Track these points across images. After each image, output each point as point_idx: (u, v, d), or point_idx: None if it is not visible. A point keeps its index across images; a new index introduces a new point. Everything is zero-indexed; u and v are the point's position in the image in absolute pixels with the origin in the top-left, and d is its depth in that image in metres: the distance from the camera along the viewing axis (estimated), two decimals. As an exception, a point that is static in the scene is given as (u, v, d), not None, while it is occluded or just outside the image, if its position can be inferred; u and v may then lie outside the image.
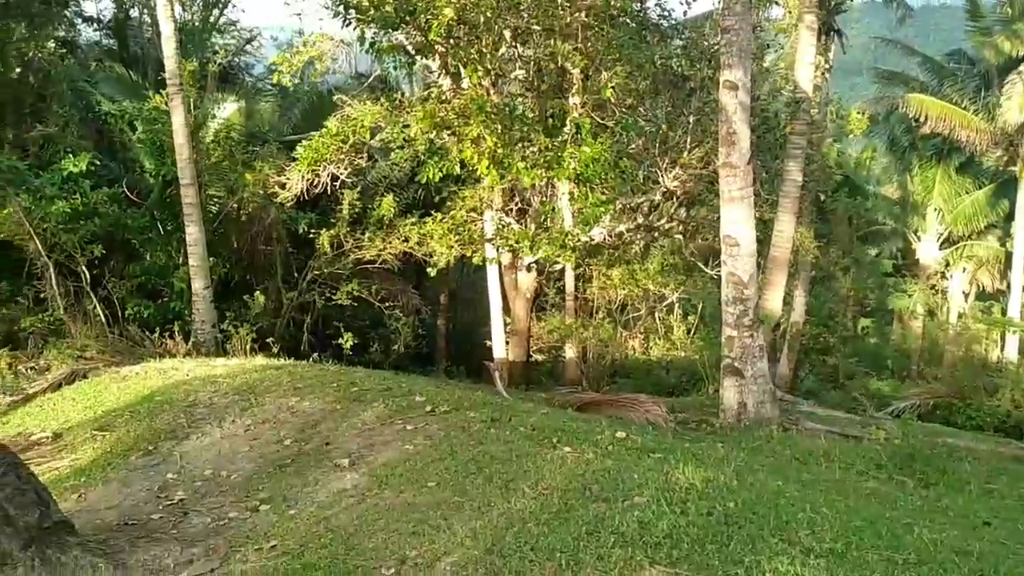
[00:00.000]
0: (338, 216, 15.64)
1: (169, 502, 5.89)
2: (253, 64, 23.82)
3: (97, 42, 22.36)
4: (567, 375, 14.73)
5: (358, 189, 15.64)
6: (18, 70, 17.92)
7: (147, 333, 12.19)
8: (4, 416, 9.13)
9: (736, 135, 9.27)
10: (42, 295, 13.09)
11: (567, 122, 12.67)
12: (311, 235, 15.72)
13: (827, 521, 4.79)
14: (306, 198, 14.50)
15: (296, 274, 16.11)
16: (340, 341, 13.89)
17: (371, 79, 17.63)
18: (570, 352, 14.88)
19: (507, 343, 14.18)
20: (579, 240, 12.24)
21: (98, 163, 14.13)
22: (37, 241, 12.58)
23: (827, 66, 17.30)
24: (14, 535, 4.74)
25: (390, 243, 15.72)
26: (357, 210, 15.76)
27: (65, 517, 5.14)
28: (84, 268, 13.08)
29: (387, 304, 16.13)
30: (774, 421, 8.88)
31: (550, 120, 13.45)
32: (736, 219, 9.25)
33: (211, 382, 8.69)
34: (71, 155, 13.84)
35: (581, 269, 15.10)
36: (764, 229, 13.32)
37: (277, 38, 23.98)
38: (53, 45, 19.68)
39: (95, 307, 12.77)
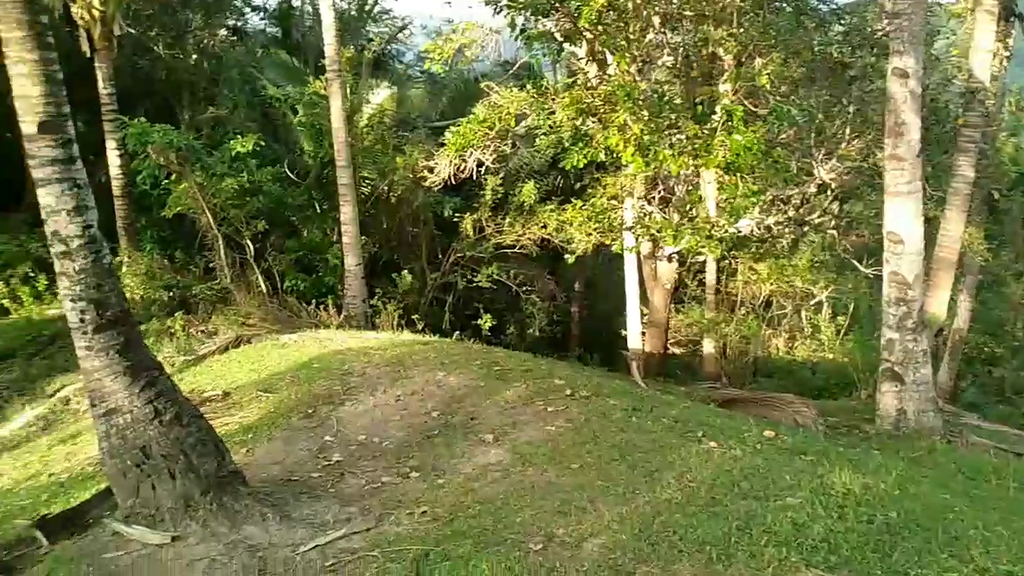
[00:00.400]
0: (481, 201, 15.97)
1: (327, 463, 6.26)
2: (404, 52, 24.64)
3: (263, 30, 23.83)
4: (705, 370, 14.37)
5: (501, 175, 15.88)
6: (194, 56, 19.45)
7: (303, 304, 12.97)
8: (179, 374, 9.98)
9: (905, 126, 8.71)
10: (211, 265, 14.19)
11: (717, 109, 12.31)
12: (455, 219, 16.13)
13: (1003, 541, 4.45)
14: (452, 183, 14.88)
15: (440, 256, 16.61)
16: (479, 322, 14.19)
17: (516, 66, 17.78)
18: (709, 347, 14.49)
19: (643, 334, 14.01)
20: (725, 231, 11.88)
21: (263, 144, 15.03)
22: (209, 215, 13.63)
23: (1006, 54, 15.85)
24: (196, 481, 5.19)
25: (529, 229, 15.91)
26: (499, 195, 16.02)
27: (238, 468, 5.57)
28: (249, 242, 14.05)
29: (524, 288, 16.35)
30: (936, 432, 8.30)
31: (699, 107, 13.11)
32: (902, 215, 8.70)
33: (364, 353, 9.12)
34: (239, 136, 14.81)
35: (726, 262, 14.67)
36: (929, 228, 12.42)
37: (427, 26, 24.68)
38: (224, 33, 21.23)
39: (257, 278, 13.72)
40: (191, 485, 5.15)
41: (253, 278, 13.79)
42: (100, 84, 14.68)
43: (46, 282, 15.16)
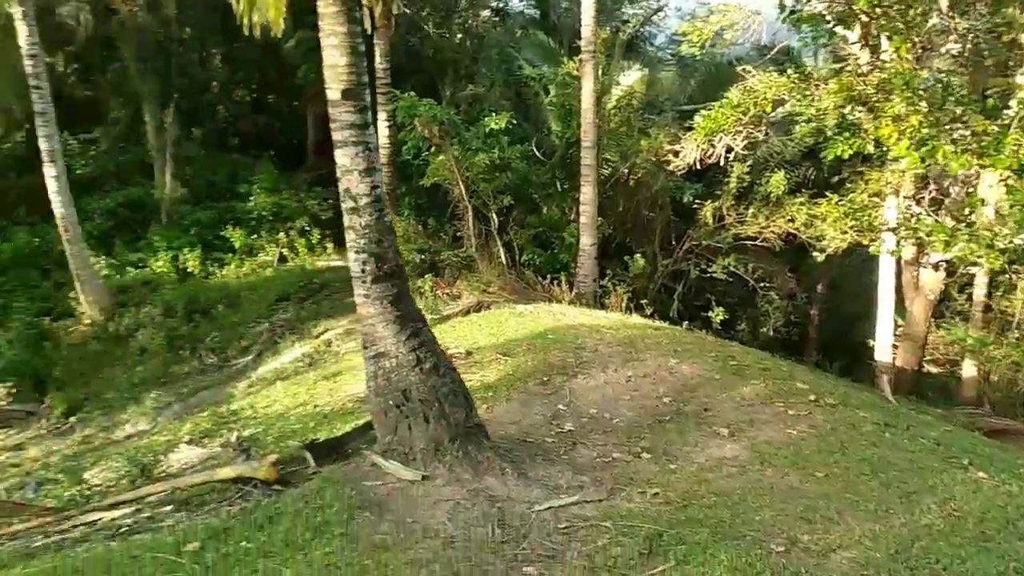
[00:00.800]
0: (724, 189, 15.44)
1: (560, 430, 6.45)
2: (656, 34, 24.37)
3: (522, 11, 24.70)
4: (963, 394, 12.84)
5: (748, 163, 15.23)
6: (459, 36, 20.64)
7: (538, 278, 13.42)
8: (425, 330, 10.75)
9: None
10: (459, 234, 15.10)
11: (1012, 103, 10.85)
12: (694, 205, 15.76)
13: None
14: (694, 168, 14.53)
15: (674, 242, 16.33)
16: (709, 314, 13.79)
17: (775, 51, 16.89)
18: (970, 369, 12.93)
19: (895, 347, 12.82)
20: (1009, 242, 10.49)
21: (514, 122, 15.62)
22: (462, 186, 14.48)
23: None
24: (446, 428, 5.57)
25: (774, 221, 15.13)
26: (744, 184, 15.39)
27: (482, 422, 5.90)
28: (494, 215, 14.76)
29: (762, 284, 15.61)
30: None
31: (989, 100, 11.65)
32: None
33: (596, 331, 9.25)
34: (493, 114, 15.52)
35: (1004, 276, 12.98)
36: None
37: (681, 8, 24.19)
38: (487, 13, 22.29)
39: (499, 250, 14.39)
40: (442, 431, 5.54)
41: (495, 249, 14.46)
42: (377, 59, 16.04)
43: (319, 236, 17.11)
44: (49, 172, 14.09)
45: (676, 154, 14.67)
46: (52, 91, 14.44)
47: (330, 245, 17.20)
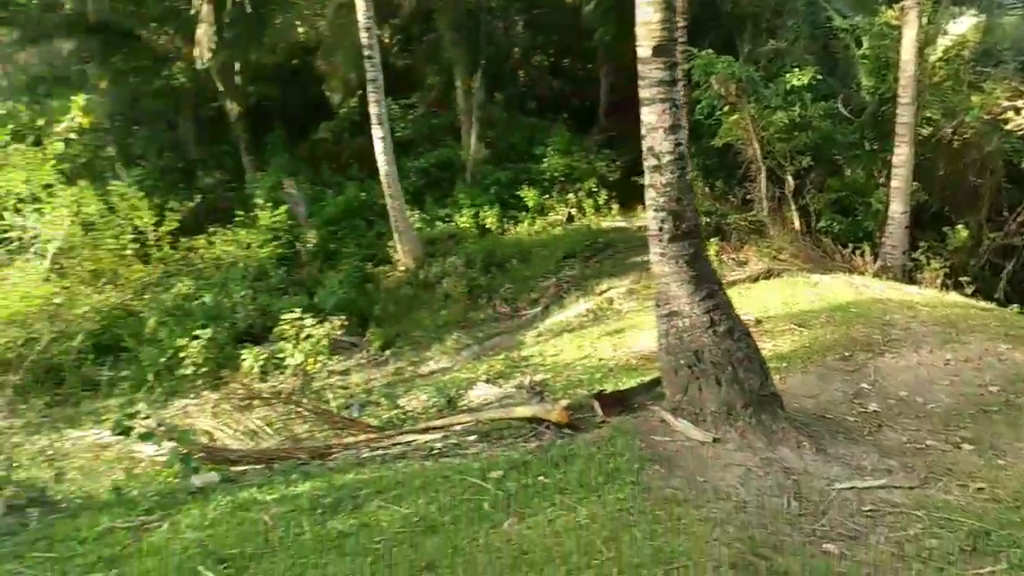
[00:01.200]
0: (1077, 152, 13.07)
1: (863, 410, 6.01)
2: (998, -27, 21.02)
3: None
4: None
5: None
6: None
7: (837, 247, 12.47)
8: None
9: None
10: (749, 197, 14.46)
11: None
12: (1035, 171, 13.56)
13: None
14: (1040, 127, 12.46)
15: (1005, 213, 14.19)
16: (1051, 297, 11.88)
17: None
18: None
19: None
20: None
21: (819, 78, 14.49)
22: (756, 147, 13.81)
23: None
24: (739, 393, 5.45)
25: None
26: (1108, 147, 12.89)
27: (776, 391, 5.68)
28: (790, 177, 13.89)
29: (1120, 266, 13.05)
30: None
31: None
32: None
33: (907, 307, 8.43)
34: (795, 69, 14.52)
35: None
36: None
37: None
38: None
39: (793, 214, 13.57)
40: (734, 395, 5.43)
41: (788, 213, 13.67)
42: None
43: (605, 197, 17.45)
44: (376, 134, 15.90)
45: (1017, 111, 12.75)
46: (381, 61, 16.22)
47: (615, 206, 17.47)
